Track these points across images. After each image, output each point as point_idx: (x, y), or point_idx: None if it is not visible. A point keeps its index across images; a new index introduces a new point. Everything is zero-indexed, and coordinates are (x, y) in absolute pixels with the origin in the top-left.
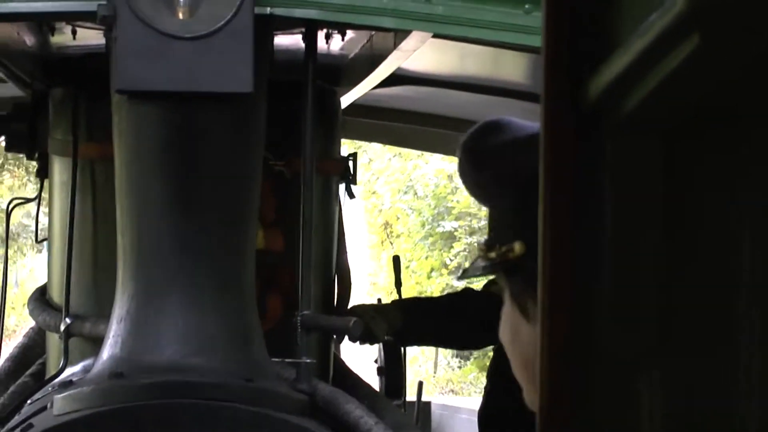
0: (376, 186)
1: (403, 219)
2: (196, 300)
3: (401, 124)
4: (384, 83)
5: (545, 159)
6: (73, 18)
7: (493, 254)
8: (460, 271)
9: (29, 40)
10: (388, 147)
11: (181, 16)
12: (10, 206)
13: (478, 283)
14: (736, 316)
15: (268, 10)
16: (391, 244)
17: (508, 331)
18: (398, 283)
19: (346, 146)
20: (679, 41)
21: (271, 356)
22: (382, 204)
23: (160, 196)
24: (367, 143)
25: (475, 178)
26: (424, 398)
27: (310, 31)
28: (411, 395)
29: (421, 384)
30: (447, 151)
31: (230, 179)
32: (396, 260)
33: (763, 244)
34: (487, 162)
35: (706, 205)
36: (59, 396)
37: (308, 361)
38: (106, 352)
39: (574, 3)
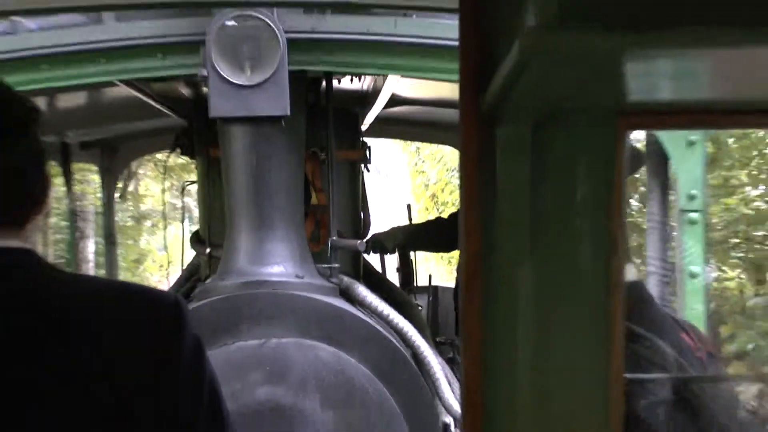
0: (424, 167)
1: (449, 190)
2: (272, 233)
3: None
4: (389, 105)
5: (461, 145)
6: (183, 77)
7: None
8: None
9: (186, 91)
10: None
11: (246, 73)
12: (185, 185)
13: None
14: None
15: (298, 67)
16: (437, 209)
17: None
18: (410, 222)
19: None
20: (524, 68)
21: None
22: (428, 180)
23: (243, 184)
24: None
25: None
26: (433, 284)
27: (327, 77)
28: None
29: (430, 276)
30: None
31: (286, 168)
32: (408, 207)
33: (592, 205)
34: None
35: (557, 175)
36: (196, 292)
37: (336, 265)
38: (221, 267)
39: (482, 30)
